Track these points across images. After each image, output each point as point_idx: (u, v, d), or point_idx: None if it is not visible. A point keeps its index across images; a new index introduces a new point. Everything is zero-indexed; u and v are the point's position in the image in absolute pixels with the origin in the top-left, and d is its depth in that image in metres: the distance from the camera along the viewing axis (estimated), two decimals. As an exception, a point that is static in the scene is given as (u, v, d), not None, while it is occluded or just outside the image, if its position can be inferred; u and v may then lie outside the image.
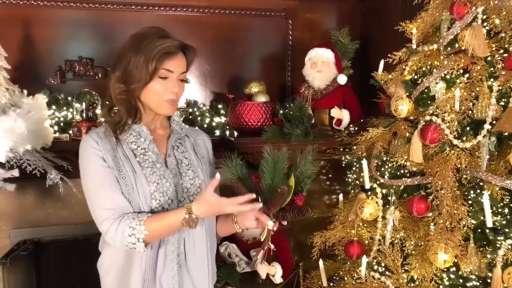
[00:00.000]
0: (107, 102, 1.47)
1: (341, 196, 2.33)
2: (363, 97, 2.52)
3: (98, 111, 2.20)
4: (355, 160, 2.28)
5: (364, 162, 1.93)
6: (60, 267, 2.35)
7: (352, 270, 2.04)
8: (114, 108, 1.46)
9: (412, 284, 1.82)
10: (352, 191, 2.29)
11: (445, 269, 1.73)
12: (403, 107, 1.91)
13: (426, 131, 1.76)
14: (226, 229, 1.57)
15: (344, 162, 2.43)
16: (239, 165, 1.43)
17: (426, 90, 1.93)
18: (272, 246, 1.41)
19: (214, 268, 1.56)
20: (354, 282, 1.93)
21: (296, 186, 1.36)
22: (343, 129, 2.36)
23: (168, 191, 1.39)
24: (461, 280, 1.69)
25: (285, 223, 1.39)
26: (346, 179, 2.38)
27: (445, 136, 1.75)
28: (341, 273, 2.13)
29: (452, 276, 1.70)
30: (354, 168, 2.30)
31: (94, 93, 2.18)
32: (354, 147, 2.24)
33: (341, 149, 2.46)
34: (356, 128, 2.49)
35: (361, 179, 2.17)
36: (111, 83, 1.39)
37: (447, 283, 1.75)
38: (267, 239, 1.40)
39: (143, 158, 1.40)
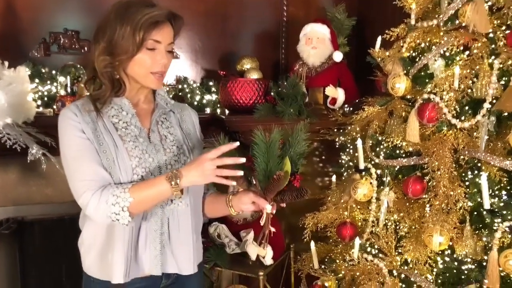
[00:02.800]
0: (88, 75, 1.41)
1: (334, 178, 2.28)
2: (359, 76, 2.47)
3: (83, 85, 2.13)
4: (349, 140, 2.21)
5: (359, 141, 1.89)
6: (45, 247, 2.30)
7: (344, 253, 2.00)
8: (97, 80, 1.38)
9: (406, 267, 1.79)
10: (346, 173, 2.24)
11: (440, 252, 1.70)
12: (400, 85, 1.85)
13: (424, 109, 1.71)
14: (218, 211, 1.53)
15: (338, 143, 2.37)
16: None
17: (424, 68, 1.86)
18: (273, 229, 1.36)
19: (200, 248, 1.52)
20: (346, 265, 1.89)
21: (292, 167, 1.30)
22: (337, 109, 2.30)
23: (151, 167, 1.35)
24: (456, 263, 1.67)
25: (283, 205, 1.34)
26: (340, 161, 2.33)
27: (443, 116, 1.70)
28: (332, 255, 2.09)
29: (447, 259, 1.67)
30: (348, 150, 2.24)
31: (79, 66, 2.11)
32: (349, 127, 2.17)
33: (335, 130, 2.39)
34: (351, 108, 2.43)
35: (355, 160, 2.12)
36: (95, 55, 1.32)
37: (441, 266, 1.72)
38: (267, 223, 1.35)
39: (125, 132, 1.35)
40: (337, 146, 2.35)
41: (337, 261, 2.04)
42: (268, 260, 2.08)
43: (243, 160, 1.24)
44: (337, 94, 2.24)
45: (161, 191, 1.27)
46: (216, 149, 1.25)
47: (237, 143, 1.26)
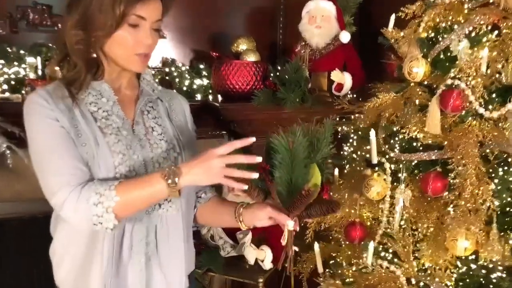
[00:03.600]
0: (60, 53, 1.22)
1: (336, 171, 2.11)
2: (363, 60, 2.32)
3: (57, 67, 1.90)
4: (352, 130, 2.05)
5: (372, 133, 1.71)
6: (16, 249, 2.13)
7: (352, 255, 1.83)
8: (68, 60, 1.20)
9: (423, 273, 1.62)
10: (348, 166, 2.07)
11: (462, 257, 1.55)
12: (418, 69, 1.67)
13: (448, 97, 1.54)
14: (221, 221, 1.41)
15: (340, 133, 2.20)
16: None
17: (445, 50, 1.68)
18: (296, 249, 1.23)
19: (191, 257, 1.37)
20: (354, 269, 1.73)
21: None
22: (343, 95, 2.15)
23: (136, 165, 1.17)
24: (483, 271, 1.50)
25: (310, 220, 1.15)
26: (341, 152, 2.17)
27: (470, 104, 1.53)
28: (338, 258, 1.91)
29: (473, 266, 1.51)
30: (351, 140, 2.08)
31: (51, 46, 1.93)
32: (353, 116, 2.01)
33: (337, 118, 2.22)
34: (355, 95, 2.27)
35: (360, 153, 1.97)
36: (66, 28, 1.15)
37: (463, 271, 1.57)
38: (289, 242, 1.17)
39: (105, 123, 1.17)
40: (339, 136, 2.14)
41: (344, 264, 1.87)
42: (268, 264, 1.92)
43: (259, 159, 1.05)
44: (344, 79, 2.07)
45: (155, 191, 1.09)
46: (227, 144, 1.07)
47: (253, 139, 1.06)
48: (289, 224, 1.13)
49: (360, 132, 2.13)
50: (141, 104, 1.25)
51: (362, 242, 1.78)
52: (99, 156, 1.13)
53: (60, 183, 1.08)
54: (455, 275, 1.59)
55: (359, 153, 2.06)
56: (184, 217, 1.27)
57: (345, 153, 2.12)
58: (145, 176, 1.13)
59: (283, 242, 1.17)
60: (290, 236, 1.16)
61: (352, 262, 1.84)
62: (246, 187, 1.07)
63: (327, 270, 1.93)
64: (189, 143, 1.32)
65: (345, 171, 2.08)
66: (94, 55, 1.17)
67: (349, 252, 1.91)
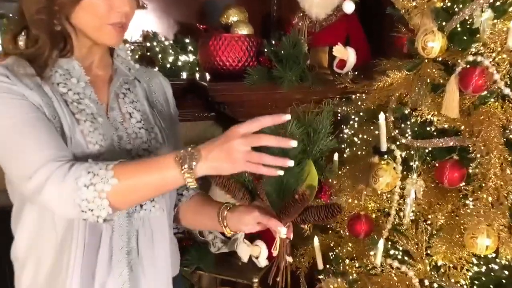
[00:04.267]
0: (17, 25, 1.06)
1: (336, 156, 1.96)
2: (367, 33, 2.16)
3: (21, 42, 1.69)
4: (353, 111, 1.94)
5: (382, 116, 1.55)
6: None
7: (356, 250, 1.69)
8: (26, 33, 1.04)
9: (435, 273, 1.48)
10: (348, 150, 1.97)
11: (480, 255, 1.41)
12: (434, 43, 1.51)
13: (470, 76, 1.38)
14: (203, 224, 1.25)
15: (340, 114, 2.05)
16: None
17: (464, 22, 1.51)
18: (290, 260, 1.09)
19: (177, 259, 1.24)
20: (360, 267, 1.59)
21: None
22: (345, 73, 1.99)
23: (113, 159, 0.99)
24: (506, 272, 1.37)
25: (305, 226, 0.98)
26: (341, 135, 2.06)
27: (494, 84, 1.39)
28: (339, 253, 1.78)
29: (494, 266, 1.39)
30: (351, 122, 1.98)
31: (12, 16, 1.70)
32: (355, 95, 1.89)
33: (337, 98, 2.07)
34: (356, 72, 2.09)
35: (361, 136, 1.87)
36: None
37: (480, 269, 1.45)
38: (282, 252, 1.01)
39: (77, 107, 1.01)
40: (338, 118, 2.05)
41: (346, 261, 1.74)
42: (263, 261, 1.79)
43: (294, 144, 0.85)
44: (347, 55, 1.92)
45: (165, 178, 0.91)
46: (253, 120, 0.86)
47: (288, 116, 0.86)
48: (281, 231, 0.97)
49: (362, 114, 2.00)
50: (116, 86, 1.09)
51: (368, 237, 1.65)
52: (73, 146, 0.97)
53: (44, 158, 0.90)
54: (470, 273, 1.47)
55: (360, 136, 1.95)
56: (169, 218, 1.13)
57: (345, 135, 2.02)
58: (153, 158, 0.95)
59: (274, 252, 1.02)
60: (282, 245, 1.00)
61: (355, 257, 1.73)
62: (282, 172, 0.86)
63: (327, 266, 1.80)
64: (172, 132, 1.16)
65: (345, 155, 1.96)
66: (59, 28, 1.00)
67: (350, 244, 1.80)
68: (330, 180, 1.01)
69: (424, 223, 1.53)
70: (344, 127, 2.04)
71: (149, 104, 1.15)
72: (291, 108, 0.98)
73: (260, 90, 1.79)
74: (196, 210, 1.19)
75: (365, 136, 1.88)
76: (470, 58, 1.41)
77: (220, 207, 1.10)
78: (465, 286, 1.46)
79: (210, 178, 0.93)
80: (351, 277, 1.70)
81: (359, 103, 1.91)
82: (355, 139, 1.98)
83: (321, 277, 1.74)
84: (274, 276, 1.06)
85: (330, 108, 0.98)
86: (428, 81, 1.53)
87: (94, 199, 0.88)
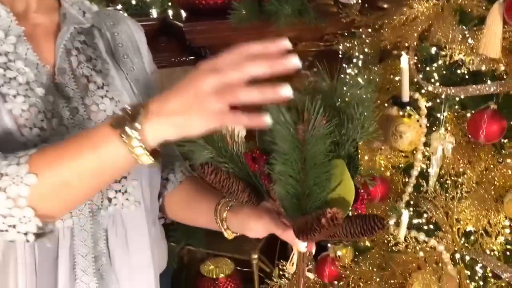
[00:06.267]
0: None
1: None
2: None
3: None
4: (357, 46, 1.66)
5: (404, 59, 1.27)
6: None
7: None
8: None
9: (466, 242, 1.32)
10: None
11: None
12: None
13: None
14: (194, 220, 1.00)
15: (341, 52, 1.79)
16: None
17: None
18: (311, 277, 0.98)
19: (161, 254, 1.01)
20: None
21: (352, 176, 0.70)
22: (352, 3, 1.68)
23: None
24: None
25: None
26: (341, 75, 1.80)
27: None
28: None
29: None
30: (355, 60, 1.72)
31: None
32: (360, 30, 1.61)
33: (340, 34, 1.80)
34: (366, 4, 1.81)
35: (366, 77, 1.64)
36: None
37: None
38: (300, 269, 0.78)
39: (4, 75, 0.77)
40: (340, 56, 1.80)
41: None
42: None
43: (296, 62, 0.57)
44: None
45: (104, 157, 0.66)
46: (226, 53, 0.59)
47: (287, 42, 0.58)
48: (301, 246, 0.75)
49: (370, 51, 1.73)
50: (65, 38, 0.84)
51: (384, 202, 1.45)
52: None
53: None
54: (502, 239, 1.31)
55: (365, 78, 1.70)
56: (149, 211, 0.90)
57: (347, 77, 1.78)
58: (84, 132, 0.72)
59: (291, 268, 0.81)
60: (301, 260, 0.78)
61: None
62: (267, 121, 0.58)
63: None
64: (149, 97, 0.89)
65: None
66: None
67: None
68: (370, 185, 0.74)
69: (455, 186, 1.33)
70: (347, 66, 1.78)
71: (114, 61, 0.90)
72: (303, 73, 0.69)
73: (249, 29, 1.56)
74: (187, 202, 0.97)
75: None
76: (519, -20, 1.17)
77: (218, 204, 0.87)
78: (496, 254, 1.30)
79: (199, 174, 0.67)
80: (362, 244, 1.53)
81: (367, 39, 1.64)
82: (359, 79, 1.75)
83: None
84: None
85: (375, 72, 0.73)
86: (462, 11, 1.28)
87: (10, 211, 0.64)
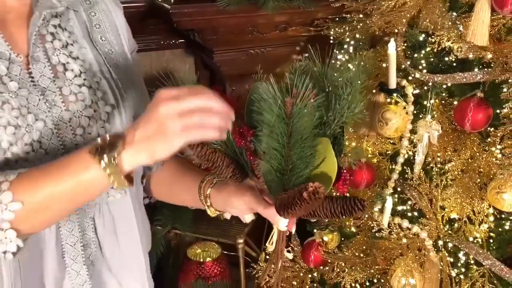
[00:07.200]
0: None
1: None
2: None
3: None
4: (348, 32, 1.64)
5: (392, 44, 1.27)
6: None
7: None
8: None
9: (449, 229, 1.33)
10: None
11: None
12: None
13: None
14: (179, 199, 1.00)
15: (332, 37, 1.75)
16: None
17: None
18: (290, 257, 0.99)
19: (145, 238, 0.98)
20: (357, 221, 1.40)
21: (335, 154, 0.69)
22: None
23: (43, 140, 0.75)
24: None
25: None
26: (332, 61, 1.76)
27: None
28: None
29: None
30: (345, 46, 1.68)
31: None
32: (351, 15, 1.58)
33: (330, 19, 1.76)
34: None
35: (356, 62, 1.61)
36: None
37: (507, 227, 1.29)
38: (279, 248, 0.79)
39: None
40: (330, 42, 1.74)
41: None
42: (248, 217, 1.53)
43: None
44: None
45: (83, 182, 0.67)
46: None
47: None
48: (281, 224, 0.76)
49: (361, 37, 1.69)
50: (38, 23, 0.77)
51: (369, 189, 1.45)
52: None
53: None
54: (485, 226, 1.32)
55: (355, 63, 1.68)
56: (135, 197, 0.89)
57: (337, 62, 1.76)
58: (62, 159, 0.70)
59: (270, 246, 0.82)
60: (280, 239, 0.79)
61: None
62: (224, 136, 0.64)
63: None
64: (130, 82, 0.87)
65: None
66: None
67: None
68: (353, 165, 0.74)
69: (439, 173, 1.33)
70: (338, 52, 1.75)
71: (92, 44, 0.85)
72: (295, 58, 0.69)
73: (238, 12, 1.52)
74: (171, 181, 0.96)
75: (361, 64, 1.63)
76: (509, -33, 1.15)
77: (202, 182, 0.87)
78: (480, 241, 1.31)
79: (185, 148, 0.68)
80: (348, 229, 1.53)
81: (358, 24, 1.62)
82: (350, 66, 1.73)
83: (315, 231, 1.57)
84: (266, 271, 0.85)
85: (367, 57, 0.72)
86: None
87: None
